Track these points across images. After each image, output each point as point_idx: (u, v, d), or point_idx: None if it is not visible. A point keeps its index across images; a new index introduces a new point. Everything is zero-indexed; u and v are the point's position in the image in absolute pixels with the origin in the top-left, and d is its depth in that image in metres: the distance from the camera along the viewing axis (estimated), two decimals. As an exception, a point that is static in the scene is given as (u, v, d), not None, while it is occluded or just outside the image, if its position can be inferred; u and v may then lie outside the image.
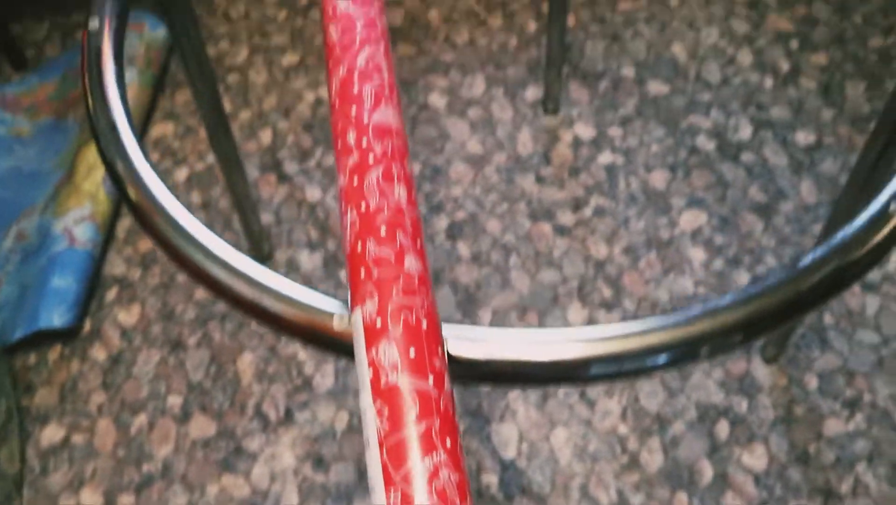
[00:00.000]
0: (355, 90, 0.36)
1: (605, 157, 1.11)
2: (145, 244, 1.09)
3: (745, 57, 1.21)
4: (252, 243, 1.04)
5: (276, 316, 0.37)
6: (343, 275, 1.04)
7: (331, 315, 0.35)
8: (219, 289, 0.39)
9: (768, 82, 1.18)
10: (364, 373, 0.30)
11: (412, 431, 0.28)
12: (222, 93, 1.23)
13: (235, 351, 0.99)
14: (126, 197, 0.44)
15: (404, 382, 0.29)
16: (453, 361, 0.34)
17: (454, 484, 0.27)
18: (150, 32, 1.26)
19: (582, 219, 1.06)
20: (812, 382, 0.93)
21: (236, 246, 1.14)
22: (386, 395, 0.28)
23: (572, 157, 1.12)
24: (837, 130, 1.13)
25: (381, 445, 0.28)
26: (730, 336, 0.36)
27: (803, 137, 1.12)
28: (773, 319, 0.36)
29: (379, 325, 0.30)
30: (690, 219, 1.05)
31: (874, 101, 1.15)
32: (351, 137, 0.35)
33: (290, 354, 0.97)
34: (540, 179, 1.10)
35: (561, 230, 1.05)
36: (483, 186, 1.09)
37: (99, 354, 1.00)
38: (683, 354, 0.36)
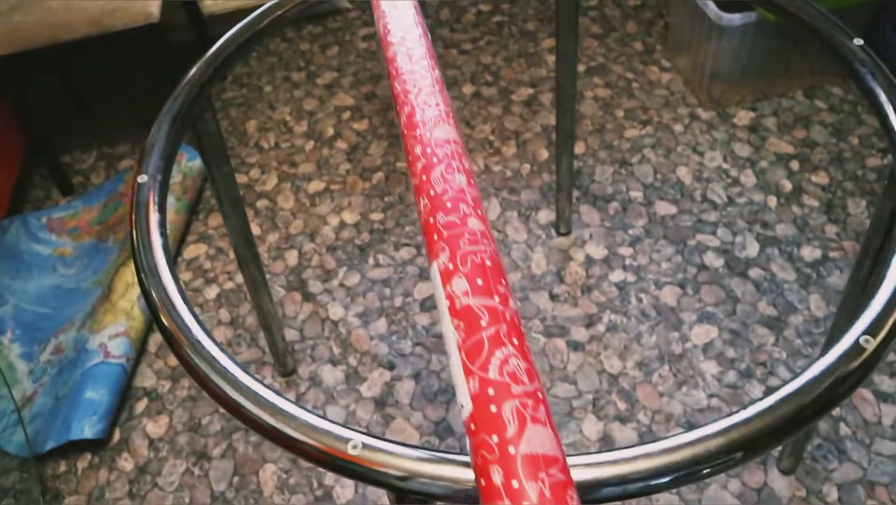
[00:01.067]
0: (418, 117, 0.46)
1: (617, 276, 1.16)
2: (175, 358, 1.13)
3: (749, 178, 1.28)
4: (276, 359, 1.08)
5: (297, 442, 0.41)
6: (364, 388, 1.07)
7: (346, 441, 0.39)
8: (244, 417, 0.44)
9: (772, 201, 1.24)
10: (443, 305, 0.36)
11: (483, 334, 0.34)
12: (252, 217, 1.31)
13: (258, 462, 1.01)
14: (163, 328, 0.49)
15: (474, 302, 0.35)
16: None
17: (523, 369, 0.32)
18: (187, 164, 1.36)
19: (595, 334, 1.09)
20: (832, 494, 0.92)
21: (261, 361, 1.18)
22: (460, 313, 0.35)
23: (584, 276, 1.16)
24: (842, 245, 1.17)
25: (460, 350, 0.34)
26: (731, 455, 0.39)
27: (809, 253, 1.16)
28: (770, 437, 0.39)
29: (451, 267, 0.37)
30: (702, 333, 1.08)
31: (875, 218, 1.20)
32: (418, 149, 0.44)
33: (311, 466, 0.99)
34: (553, 297, 1.14)
35: (575, 346, 1.08)
36: (499, 302, 1.14)
37: (126, 463, 1.02)
38: (687, 474, 0.39)
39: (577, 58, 1.47)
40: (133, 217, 0.55)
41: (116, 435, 1.06)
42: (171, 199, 1.29)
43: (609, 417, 1.00)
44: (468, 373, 0.33)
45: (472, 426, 0.31)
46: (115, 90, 1.63)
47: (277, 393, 0.42)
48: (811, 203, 1.23)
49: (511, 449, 0.30)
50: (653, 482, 0.37)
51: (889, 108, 0.54)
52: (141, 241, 0.53)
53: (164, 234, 0.52)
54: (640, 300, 1.12)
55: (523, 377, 0.32)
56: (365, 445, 0.38)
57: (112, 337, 1.11)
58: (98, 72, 1.65)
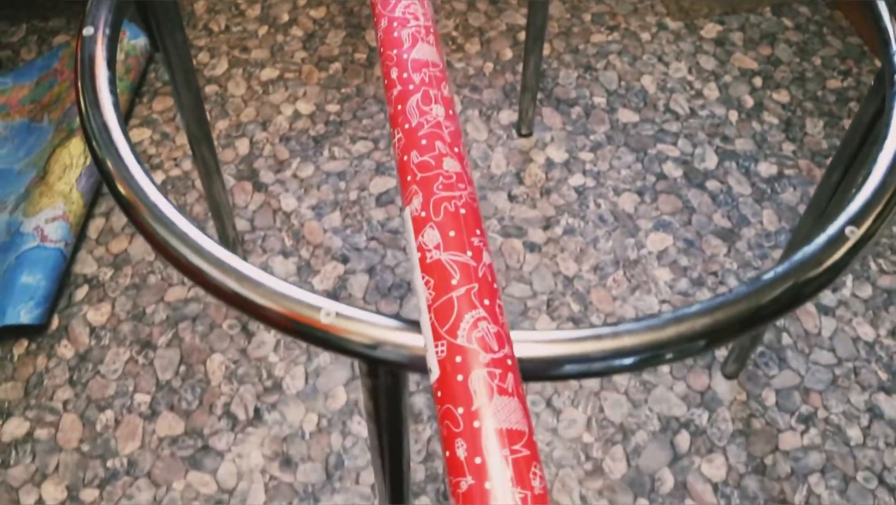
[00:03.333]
0: (395, 34, 0.42)
1: (576, 180, 1.15)
2: (117, 245, 1.09)
3: (712, 91, 1.27)
4: (226, 249, 1.05)
5: (268, 311, 0.38)
6: (316, 281, 1.05)
7: (318, 309, 0.37)
8: (212, 286, 0.41)
9: (733, 116, 1.24)
10: (414, 256, 0.34)
11: (453, 294, 0.32)
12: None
13: (205, 352, 0.99)
14: (118, 195, 0.45)
15: (445, 257, 0.33)
16: None
17: (492, 334, 0.31)
18: (129, 41, 1.28)
19: (552, 237, 1.09)
20: (770, 398, 0.96)
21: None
22: (431, 268, 0.33)
23: (544, 178, 1.15)
24: (798, 163, 1.18)
25: (429, 309, 0.32)
26: (694, 342, 0.38)
27: (765, 168, 1.17)
28: (735, 328, 0.38)
29: (423, 216, 0.35)
30: (657, 241, 1.09)
31: (832, 137, 1.21)
32: (394, 73, 0.41)
33: (261, 356, 0.98)
34: (512, 198, 1.13)
35: (532, 247, 1.08)
36: (457, 201, 1.12)
37: (66, 351, 0.99)
38: (651, 357, 0.38)
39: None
40: (79, 73, 0.50)
41: (55, 322, 1.02)
42: (113, 79, 1.21)
43: (562, 318, 1.01)
44: (437, 336, 0.32)
45: (439, 393, 0.31)
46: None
47: (244, 260, 0.39)
48: (771, 120, 1.23)
49: (476, 423, 0.29)
50: (616, 363, 0.37)
51: (881, 5, 0.53)
52: (88, 99, 0.49)
53: (114, 91, 0.48)
54: (598, 205, 1.11)
55: (492, 343, 0.31)
56: (338, 314, 0.36)
57: (49, 221, 1.05)
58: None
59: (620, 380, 0.96)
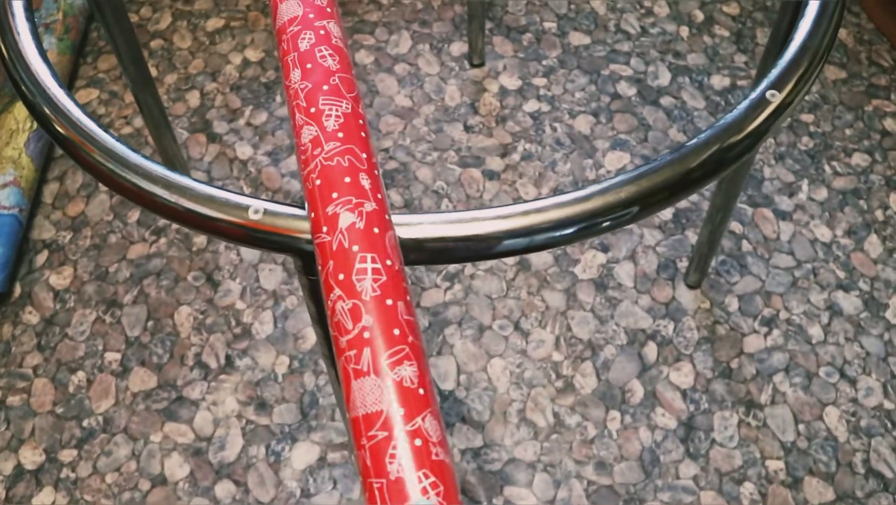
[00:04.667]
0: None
1: (531, 105, 1.14)
2: (74, 207, 1.07)
3: (662, 9, 1.26)
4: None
5: (195, 215, 0.38)
6: (278, 227, 1.04)
7: (246, 207, 0.37)
8: (141, 198, 0.40)
9: (684, 31, 1.23)
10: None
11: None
12: (147, 58, 1.22)
13: (172, 306, 0.98)
14: (53, 133, 0.44)
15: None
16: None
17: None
18: (66, 0, 1.24)
19: (510, 163, 1.09)
20: (733, 304, 0.98)
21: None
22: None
23: (499, 107, 1.14)
24: (750, 73, 1.18)
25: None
26: (628, 208, 0.39)
27: (718, 81, 1.17)
28: (664, 193, 0.39)
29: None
30: (615, 159, 1.09)
31: (782, 45, 1.21)
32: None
33: (228, 304, 0.98)
34: (468, 128, 1.12)
35: (490, 175, 1.08)
36: (413, 137, 1.11)
37: (31, 317, 0.98)
38: (587, 227, 0.39)
39: None
40: None
41: (17, 290, 1.01)
42: (52, 40, 1.18)
43: (525, 244, 1.01)
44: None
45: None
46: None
47: (169, 168, 0.39)
48: (722, 33, 1.23)
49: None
50: (557, 233, 0.37)
51: None
52: (8, 43, 0.48)
53: (31, 19, 0.47)
54: (554, 129, 1.11)
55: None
56: (266, 211, 0.36)
57: (0, 188, 1.04)
58: None
59: (585, 298, 0.97)
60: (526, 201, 0.38)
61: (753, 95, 0.40)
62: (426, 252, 0.37)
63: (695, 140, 0.38)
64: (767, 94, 0.40)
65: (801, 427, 0.89)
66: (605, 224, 0.38)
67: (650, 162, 0.39)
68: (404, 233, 0.36)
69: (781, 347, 0.94)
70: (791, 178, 1.08)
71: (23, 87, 0.45)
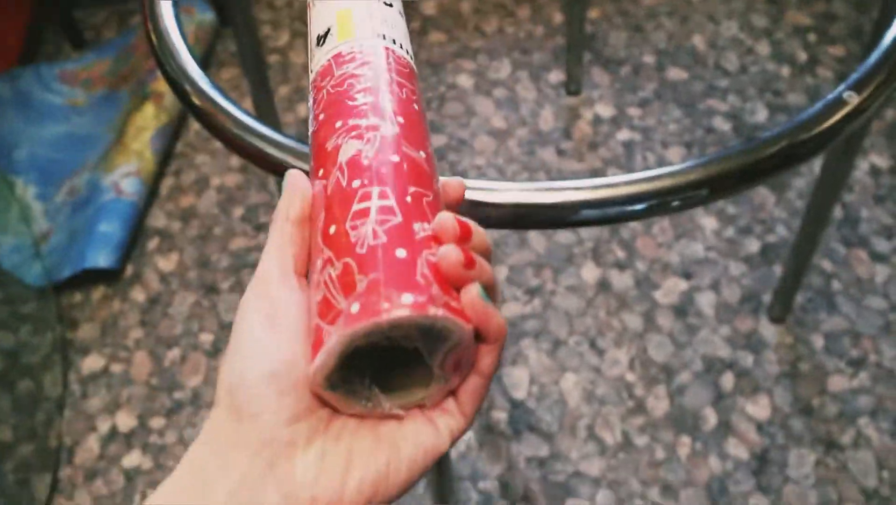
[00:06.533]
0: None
1: (624, 134, 1.16)
2: (186, 200, 1.16)
3: (764, 48, 1.26)
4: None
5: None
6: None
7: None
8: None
9: (785, 71, 1.23)
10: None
11: None
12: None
13: (265, 296, 1.04)
14: (192, 106, 0.50)
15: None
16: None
17: None
18: (199, 15, 1.35)
19: (599, 188, 1.10)
20: (818, 342, 0.95)
21: (269, 206, 1.20)
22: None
23: (592, 133, 1.17)
24: (851, 116, 1.16)
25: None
26: (698, 190, 0.41)
27: (818, 122, 1.16)
28: (733, 179, 0.40)
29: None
30: (704, 191, 1.09)
31: (888, 89, 1.19)
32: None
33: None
34: (560, 152, 1.15)
35: (578, 198, 1.10)
36: (505, 157, 1.15)
37: (139, 295, 1.06)
38: (658, 204, 0.41)
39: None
40: (146, 9, 0.55)
41: (129, 269, 1.09)
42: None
43: (608, 264, 1.03)
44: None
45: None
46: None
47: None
48: (825, 74, 1.22)
49: None
50: (628, 207, 0.39)
51: None
52: (156, 30, 0.54)
53: (179, 22, 0.53)
54: (645, 158, 1.13)
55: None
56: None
57: (124, 176, 1.13)
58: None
59: (664, 322, 0.97)
60: (600, 177, 0.40)
61: (831, 96, 0.41)
62: (509, 217, 0.40)
63: (768, 133, 0.40)
64: (845, 95, 0.41)
65: (885, 473, 0.86)
66: (674, 203, 0.40)
67: (723, 150, 0.40)
68: (491, 198, 0.39)
69: (869, 389, 0.91)
70: (890, 221, 1.05)
71: (167, 68, 0.51)
